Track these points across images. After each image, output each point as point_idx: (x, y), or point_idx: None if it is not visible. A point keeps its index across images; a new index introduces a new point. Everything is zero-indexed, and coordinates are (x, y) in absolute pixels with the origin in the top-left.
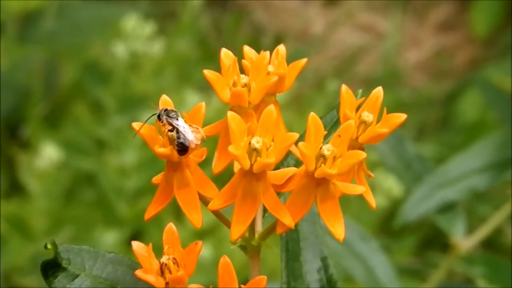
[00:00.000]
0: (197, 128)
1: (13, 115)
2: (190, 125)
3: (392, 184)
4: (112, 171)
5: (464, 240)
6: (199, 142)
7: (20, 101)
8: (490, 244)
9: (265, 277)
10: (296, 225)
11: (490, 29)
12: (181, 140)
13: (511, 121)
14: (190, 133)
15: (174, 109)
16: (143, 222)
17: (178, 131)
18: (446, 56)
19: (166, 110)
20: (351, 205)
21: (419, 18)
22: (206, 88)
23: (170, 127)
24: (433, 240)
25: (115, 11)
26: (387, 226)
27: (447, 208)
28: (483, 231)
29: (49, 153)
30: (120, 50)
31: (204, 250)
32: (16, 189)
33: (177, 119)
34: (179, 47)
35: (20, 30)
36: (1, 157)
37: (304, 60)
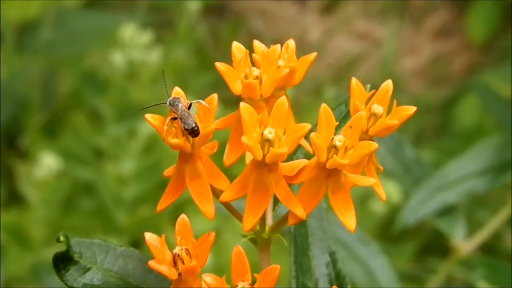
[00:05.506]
0: (199, 102)
1: (12, 125)
2: (189, 108)
3: (391, 190)
4: (110, 180)
5: (464, 243)
6: (195, 124)
7: (19, 111)
8: (489, 249)
9: (278, 266)
10: (304, 221)
11: (486, 35)
12: (185, 126)
13: (511, 125)
14: (189, 118)
15: (177, 96)
16: (142, 231)
17: (181, 119)
18: (443, 63)
19: (172, 99)
20: None
21: (416, 25)
22: (204, 97)
23: (174, 115)
24: (432, 247)
25: (112, 20)
26: (386, 232)
27: (447, 211)
28: (481, 235)
29: (47, 163)
30: (117, 59)
31: None
32: (15, 198)
33: (178, 106)
34: (176, 56)
35: (18, 40)
36: (0, 167)
37: (314, 54)
